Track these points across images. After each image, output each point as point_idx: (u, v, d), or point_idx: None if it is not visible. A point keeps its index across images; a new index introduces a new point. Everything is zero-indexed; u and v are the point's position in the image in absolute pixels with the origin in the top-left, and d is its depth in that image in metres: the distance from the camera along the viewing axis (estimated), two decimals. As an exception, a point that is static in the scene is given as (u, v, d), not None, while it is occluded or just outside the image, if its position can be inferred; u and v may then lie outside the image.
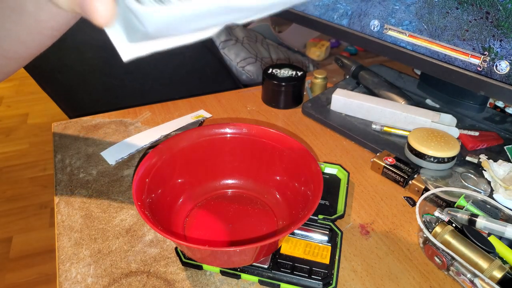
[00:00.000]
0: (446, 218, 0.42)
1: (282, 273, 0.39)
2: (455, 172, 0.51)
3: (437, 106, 0.65)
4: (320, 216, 0.45)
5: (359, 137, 0.58)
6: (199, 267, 0.40)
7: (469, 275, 0.37)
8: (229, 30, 0.92)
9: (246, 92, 0.73)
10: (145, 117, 0.65)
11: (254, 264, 0.39)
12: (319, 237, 0.42)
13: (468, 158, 0.53)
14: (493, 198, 0.45)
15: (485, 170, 0.49)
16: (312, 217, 0.44)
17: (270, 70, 0.67)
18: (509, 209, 0.43)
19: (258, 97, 0.71)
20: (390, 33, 0.55)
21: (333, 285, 0.38)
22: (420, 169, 0.51)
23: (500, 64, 0.45)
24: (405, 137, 0.58)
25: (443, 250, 0.38)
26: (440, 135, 0.53)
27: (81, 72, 0.81)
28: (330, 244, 0.42)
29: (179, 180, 0.45)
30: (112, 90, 0.84)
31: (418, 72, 0.78)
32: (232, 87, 0.89)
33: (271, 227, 0.44)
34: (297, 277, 0.38)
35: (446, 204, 0.45)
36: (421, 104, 0.64)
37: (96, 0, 0.21)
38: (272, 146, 0.45)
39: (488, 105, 0.64)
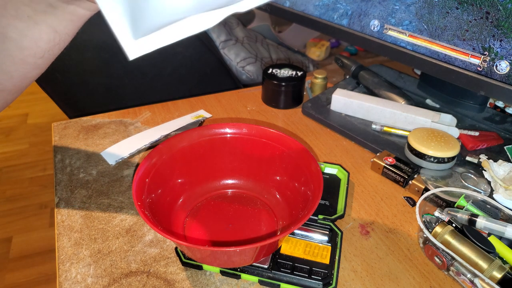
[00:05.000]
0: (446, 218, 0.42)
1: (282, 273, 0.39)
2: (455, 172, 0.51)
3: (437, 106, 0.65)
4: (320, 216, 0.45)
5: (359, 137, 0.58)
6: (199, 267, 0.40)
7: (469, 275, 0.37)
8: (229, 30, 0.92)
9: (246, 92, 0.73)
10: (145, 117, 0.65)
11: (254, 264, 0.39)
12: (319, 237, 0.42)
13: (468, 158, 0.53)
14: (493, 198, 0.46)
15: (485, 170, 0.49)
16: (312, 217, 0.44)
17: (270, 70, 0.67)
18: (509, 209, 0.43)
19: (258, 97, 0.71)
20: (390, 33, 0.55)
21: (333, 285, 0.38)
22: (420, 169, 0.51)
23: (500, 64, 0.45)
24: (405, 137, 0.58)
25: (443, 250, 0.39)
26: (440, 135, 0.53)
27: (81, 72, 0.81)
28: (330, 244, 0.42)
29: (179, 180, 0.45)
30: (112, 90, 0.84)
31: (418, 72, 0.78)
32: (232, 87, 0.89)
33: (271, 227, 0.44)
34: (297, 277, 0.38)
35: (446, 204, 0.45)
36: (421, 104, 0.64)
37: None
38: (272, 146, 0.45)
39: (488, 105, 0.64)
